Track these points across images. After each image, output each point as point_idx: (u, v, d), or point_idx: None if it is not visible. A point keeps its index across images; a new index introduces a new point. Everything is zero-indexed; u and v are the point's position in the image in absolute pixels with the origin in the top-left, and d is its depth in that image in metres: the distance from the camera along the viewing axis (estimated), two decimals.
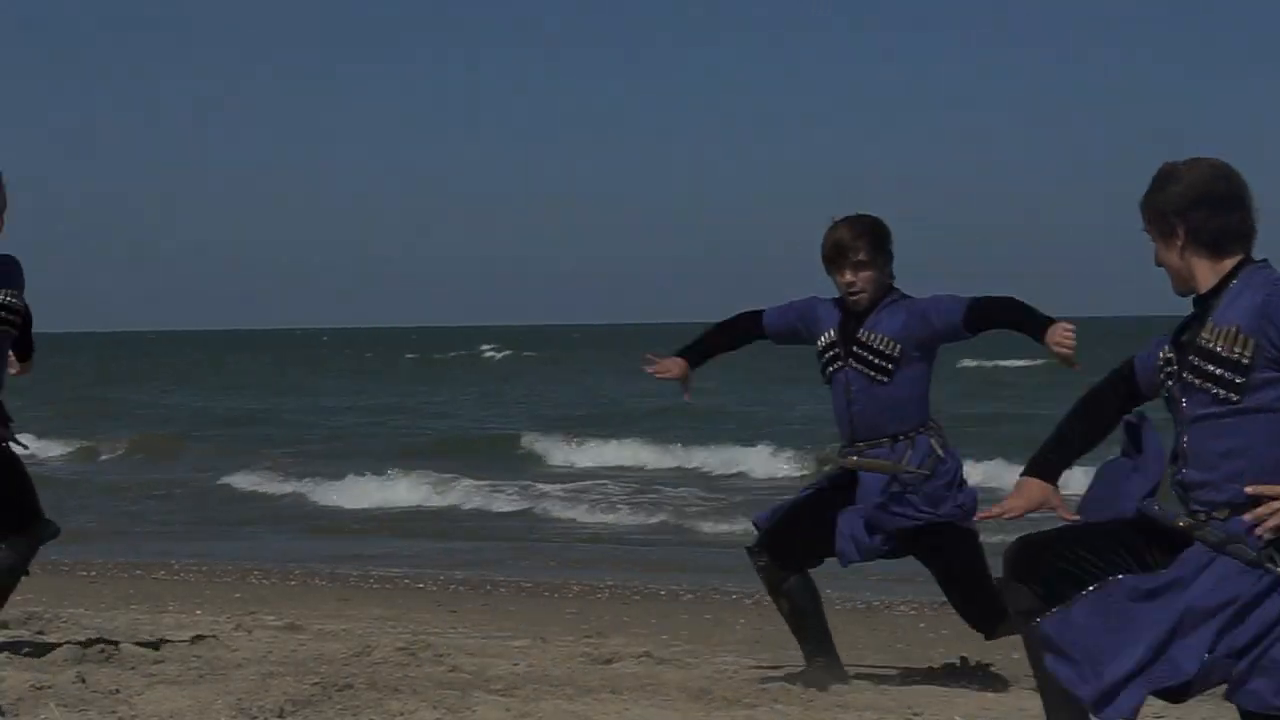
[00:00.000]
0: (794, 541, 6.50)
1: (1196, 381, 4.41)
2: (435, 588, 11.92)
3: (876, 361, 6.36)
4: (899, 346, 6.34)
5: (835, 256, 6.41)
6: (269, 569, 13.02)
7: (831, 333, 6.51)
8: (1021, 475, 4.74)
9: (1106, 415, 4.77)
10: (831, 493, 6.50)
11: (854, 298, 6.41)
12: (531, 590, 11.62)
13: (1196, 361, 4.41)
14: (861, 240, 6.36)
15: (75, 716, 5.34)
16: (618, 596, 11.14)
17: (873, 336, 6.37)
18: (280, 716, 5.52)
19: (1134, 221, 4.61)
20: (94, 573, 12.08)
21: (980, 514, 5.14)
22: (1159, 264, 4.59)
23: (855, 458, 6.43)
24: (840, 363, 6.46)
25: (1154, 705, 6.25)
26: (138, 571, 12.34)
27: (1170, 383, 4.52)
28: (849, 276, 6.38)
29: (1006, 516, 4.72)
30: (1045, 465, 4.73)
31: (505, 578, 12.47)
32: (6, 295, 6.28)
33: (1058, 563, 4.47)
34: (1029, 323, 6.18)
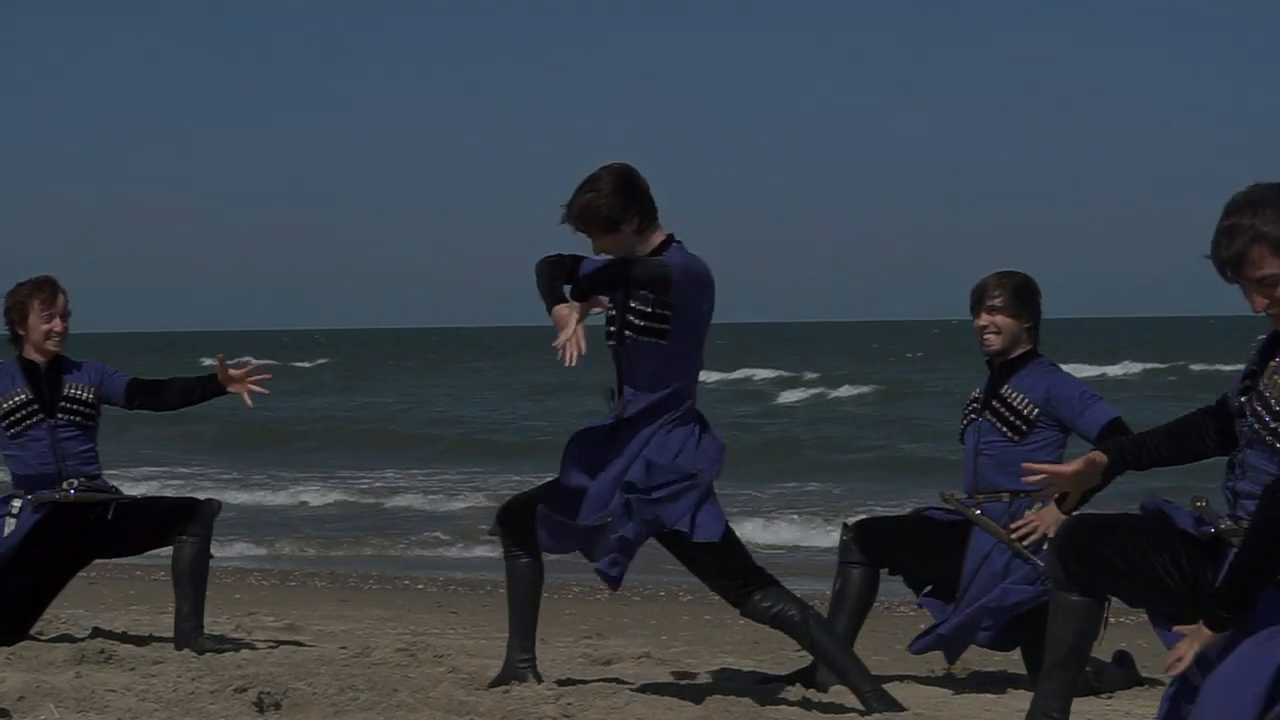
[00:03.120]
0: (886, 537, 6.70)
1: (1260, 411, 4.42)
2: (435, 588, 11.92)
3: (1013, 420, 6.50)
4: (1036, 411, 6.49)
5: (974, 300, 6.61)
6: (269, 570, 13.02)
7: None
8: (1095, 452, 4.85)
9: (1193, 444, 4.78)
10: (944, 526, 6.63)
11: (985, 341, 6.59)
12: None
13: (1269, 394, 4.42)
14: (1001, 288, 6.53)
15: (75, 717, 5.33)
16: (617, 597, 11.10)
17: (1015, 396, 6.53)
18: (280, 717, 5.52)
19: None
20: (94, 573, 12.02)
21: (1032, 465, 5.17)
22: (1268, 304, 4.39)
23: (976, 511, 6.53)
24: (976, 415, 6.66)
25: (1154, 705, 6.25)
26: (137, 572, 12.33)
27: (1244, 397, 4.53)
28: (984, 319, 6.56)
29: (1056, 473, 4.84)
30: (1116, 452, 4.79)
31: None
32: (76, 388, 7.30)
33: (1098, 545, 4.61)
34: None
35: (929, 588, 6.75)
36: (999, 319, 6.53)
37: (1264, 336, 4.58)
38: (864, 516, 6.95)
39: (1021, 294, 6.55)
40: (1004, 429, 6.51)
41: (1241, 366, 4.70)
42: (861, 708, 5.84)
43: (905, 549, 6.67)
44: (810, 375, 45.87)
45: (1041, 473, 4.85)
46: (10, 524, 7.16)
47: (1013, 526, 6.40)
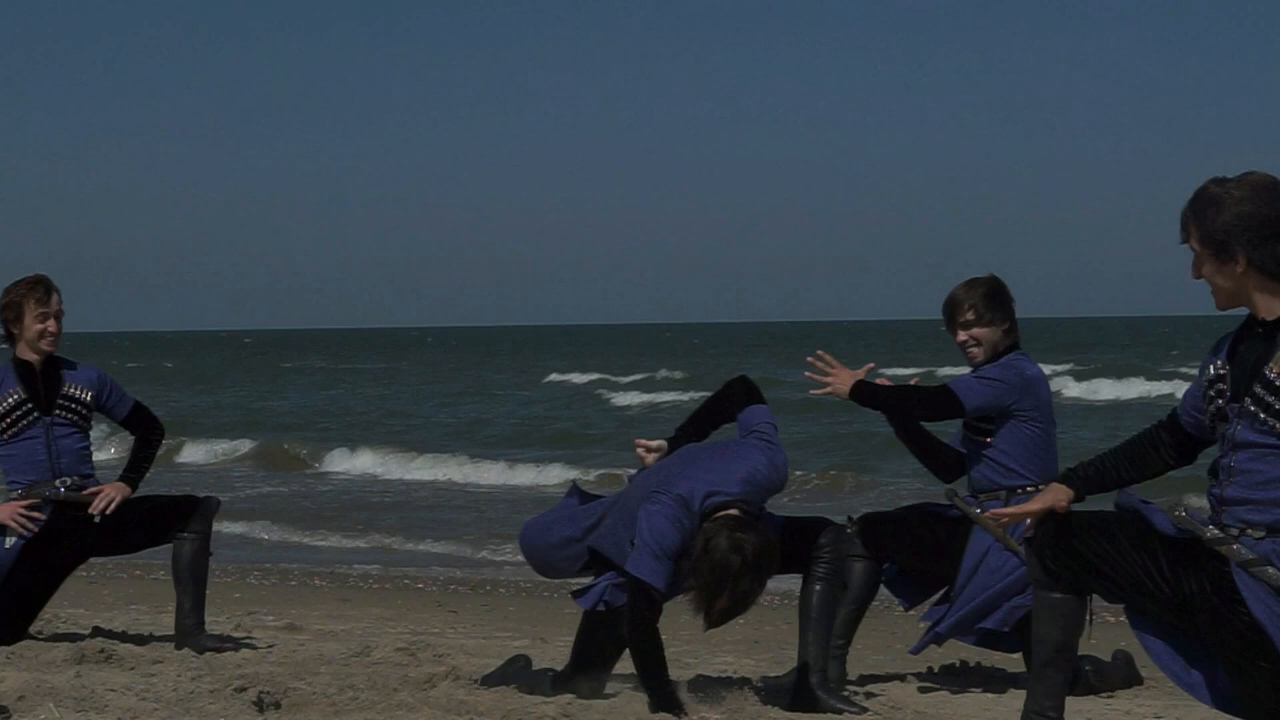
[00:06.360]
0: (891, 532, 6.66)
1: (1257, 411, 4.38)
2: (435, 588, 11.92)
3: (973, 421, 6.51)
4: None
5: (947, 318, 6.61)
6: (268, 569, 13.01)
7: None
8: (1055, 481, 4.90)
9: (1151, 464, 4.83)
10: (951, 523, 6.60)
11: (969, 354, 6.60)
12: (531, 590, 11.60)
13: (1261, 393, 4.37)
14: (970, 299, 6.52)
15: (75, 717, 5.33)
16: None
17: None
18: (280, 717, 5.52)
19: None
20: (94, 573, 12.06)
21: (997, 511, 5.21)
22: (1201, 278, 4.46)
23: (977, 510, 6.47)
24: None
25: (1154, 704, 6.26)
26: (137, 571, 12.34)
27: (1220, 401, 4.49)
28: (961, 336, 6.57)
29: (1022, 513, 4.91)
30: (1080, 481, 4.86)
31: (505, 578, 12.47)
32: (75, 388, 7.32)
33: (1076, 544, 4.64)
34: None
35: (938, 595, 6.71)
36: (976, 332, 6.53)
37: (1222, 339, 4.58)
38: (870, 510, 6.91)
39: (991, 299, 6.53)
40: (971, 430, 6.53)
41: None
42: (858, 707, 5.83)
43: (909, 544, 6.62)
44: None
45: (1008, 517, 5.06)
46: (9, 540, 7.17)
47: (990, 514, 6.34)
